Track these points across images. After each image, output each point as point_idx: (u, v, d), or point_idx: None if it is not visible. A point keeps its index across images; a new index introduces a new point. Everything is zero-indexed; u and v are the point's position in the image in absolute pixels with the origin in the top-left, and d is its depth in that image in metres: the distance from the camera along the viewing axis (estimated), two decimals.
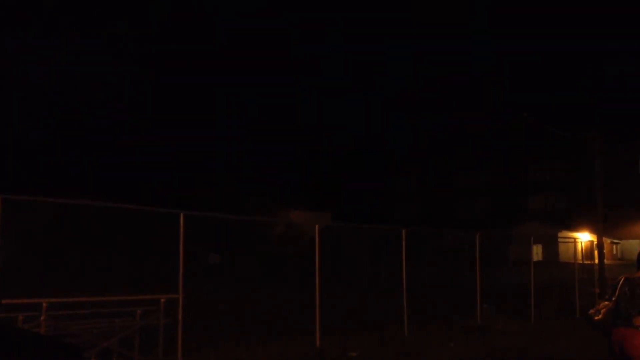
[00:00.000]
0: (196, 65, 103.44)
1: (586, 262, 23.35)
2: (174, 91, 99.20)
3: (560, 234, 44.61)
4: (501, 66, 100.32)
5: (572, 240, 32.82)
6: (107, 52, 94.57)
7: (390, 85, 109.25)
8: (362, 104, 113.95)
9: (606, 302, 6.04)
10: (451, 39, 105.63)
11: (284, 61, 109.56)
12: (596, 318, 6.06)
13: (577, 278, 19.39)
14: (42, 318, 8.25)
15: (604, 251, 22.78)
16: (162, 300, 9.35)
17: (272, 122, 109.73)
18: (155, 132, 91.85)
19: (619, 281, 6.05)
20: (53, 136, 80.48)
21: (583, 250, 23.65)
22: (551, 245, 42.44)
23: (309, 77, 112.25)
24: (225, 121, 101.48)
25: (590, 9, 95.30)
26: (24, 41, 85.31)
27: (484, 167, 67.60)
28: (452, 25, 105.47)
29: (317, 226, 12.10)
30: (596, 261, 22.05)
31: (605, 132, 24.61)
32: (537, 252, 39.76)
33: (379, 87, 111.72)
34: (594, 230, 27.65)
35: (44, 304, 8.28)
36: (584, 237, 35.14)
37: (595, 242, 22.94)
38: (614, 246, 53.96)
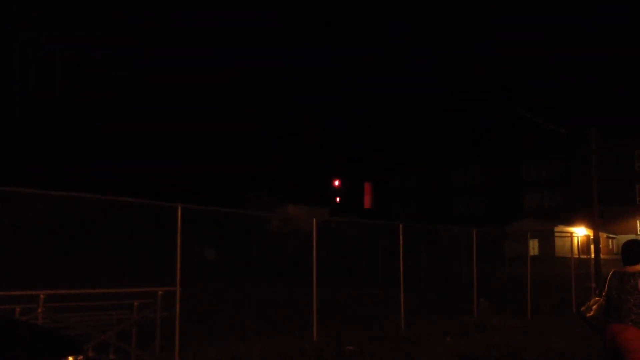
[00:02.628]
0: (196, 63, 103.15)
1: (582, 256, 23.38)
2: (173, 84, 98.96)
3: (556, 229, 44.64)
4: (499, 64, 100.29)
5: (569, 234, 32.88)
6: (105, 42, 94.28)
7: (389, 84, 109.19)
8: (361, 103, 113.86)
9: (597, 298, 6.04)
10: (450, 38, 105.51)
11: (284, 60, 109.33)
12: (588, 315, 6.07)
13: (574, 273, 19.39)
14: (39, 310, 8.22)
15: (600, 246, 22.84)
16: (160, 292, 9.32)
17: (271, 119, 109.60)
18: (154, 127, 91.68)
19: (608, 276, 6.06)
20: (52, 130, 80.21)
21: (579, 245, 23.69)
22: (547, 240, 42.50)
23: (307, 73, 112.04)
24: (225, 117, 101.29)
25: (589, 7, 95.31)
26: (20, 36, 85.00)
27: (480, 164, 67.69)
28: (452, 24, 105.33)
29: (314, 220, 12.04)
30: (592, 256, 22.07)
31: (602, 128, 24.67)
32: (533, 247, 39.81)
33: (377, 87, 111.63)
34: (590, 225, 27.68)
35: (41, 296, 8.24)
36: (580, 232, 35.19)
37: (592, 237, 22.97)
38: (610, 241, 54.08)
